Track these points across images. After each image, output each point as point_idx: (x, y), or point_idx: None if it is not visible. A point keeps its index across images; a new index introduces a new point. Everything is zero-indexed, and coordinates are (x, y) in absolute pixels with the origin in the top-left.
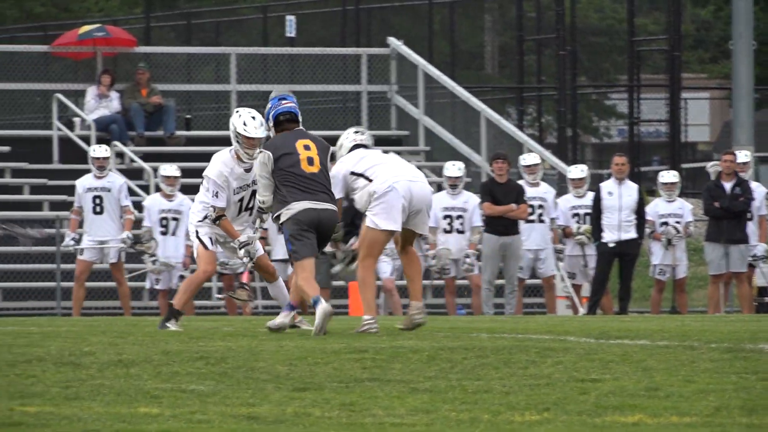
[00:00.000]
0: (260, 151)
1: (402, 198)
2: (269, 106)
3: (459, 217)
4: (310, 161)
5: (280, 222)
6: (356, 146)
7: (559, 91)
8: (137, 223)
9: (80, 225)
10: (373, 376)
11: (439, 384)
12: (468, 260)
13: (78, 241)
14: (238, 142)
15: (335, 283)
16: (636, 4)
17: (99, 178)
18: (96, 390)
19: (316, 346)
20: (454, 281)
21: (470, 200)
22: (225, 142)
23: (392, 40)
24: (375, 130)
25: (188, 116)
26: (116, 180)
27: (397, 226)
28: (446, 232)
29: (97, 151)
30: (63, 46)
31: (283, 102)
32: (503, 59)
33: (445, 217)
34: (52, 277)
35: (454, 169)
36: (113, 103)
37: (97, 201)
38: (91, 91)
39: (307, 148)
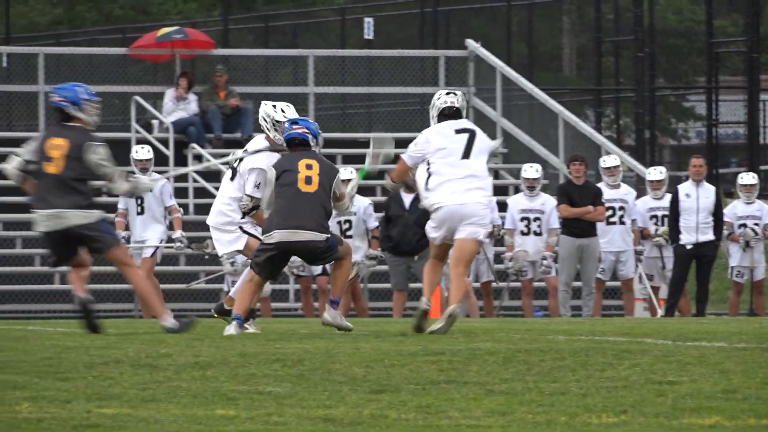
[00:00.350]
0: (271, 168)
1: (448, 220)
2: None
3: (536, 219)
4: (308, 180)
5: (262, 236)
6: (446, 108)
7: (637, 93)
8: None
9: (126, 227)
10: (450, 378)
11: (516, 386)
12: (545, 262)
13: (127, 241)
14: (276, 130)
15: (412, 285)
16: (714, 5)
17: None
18: (173, 392)
19: (392, 348)
20: (531, 283)
21: (547, 202)
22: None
23: (470, 42)
24: None
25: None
26: (157, 181)
27: (438, 239)
28: (523, 234)
29: (140, 152)
30: (141, 49)
31: (295, 127)
32: (581, 61)
33: (523, 218)
34: None
35: (531, 170)
36: (191, 106)
37: (139, 202)
38: (170, 94)
39: (309, 167)
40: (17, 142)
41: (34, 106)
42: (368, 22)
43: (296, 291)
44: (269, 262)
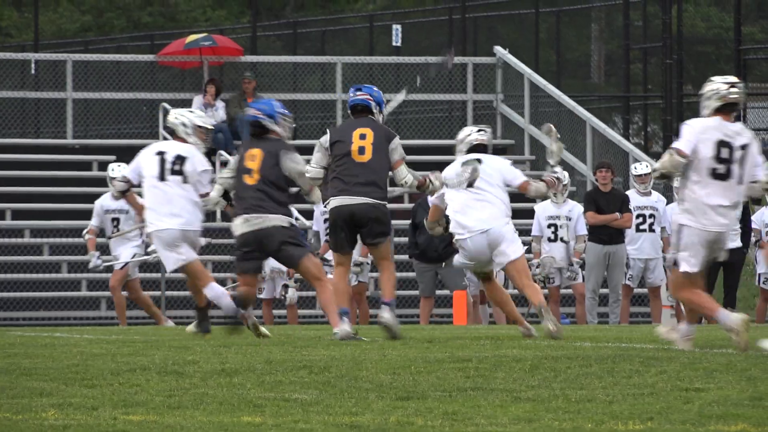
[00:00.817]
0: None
1: (475, 251)
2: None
3: (563, 225)
4: (362, 150)
5: (328, 210)
6: (476, 146)
7: (665, 99)
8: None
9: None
10: (476, 385)
11: (542, 393)
12: (572, 269)
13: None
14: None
15: (439, 292)
16: (743, 12)
17: (117, 199)
18: (199, 399)
19: (418, 355)
20: (558, 290)
21: (575, 209)
22: None
23: (498, 49)
24: None
25: (294, 125)
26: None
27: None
28: (550, 240)
29: (116, 171)
30: (170, 56)
31: (358, 93)
32: (609, 68)
33: (549, 225)
34: (156, 286)
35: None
36: (219, 113)
37: (115, 224)
38: (197, 101)
39: (362, 137)
40: (45, 150)
41: (62, 112)
42: (396, 29)
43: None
44: (334, 234)
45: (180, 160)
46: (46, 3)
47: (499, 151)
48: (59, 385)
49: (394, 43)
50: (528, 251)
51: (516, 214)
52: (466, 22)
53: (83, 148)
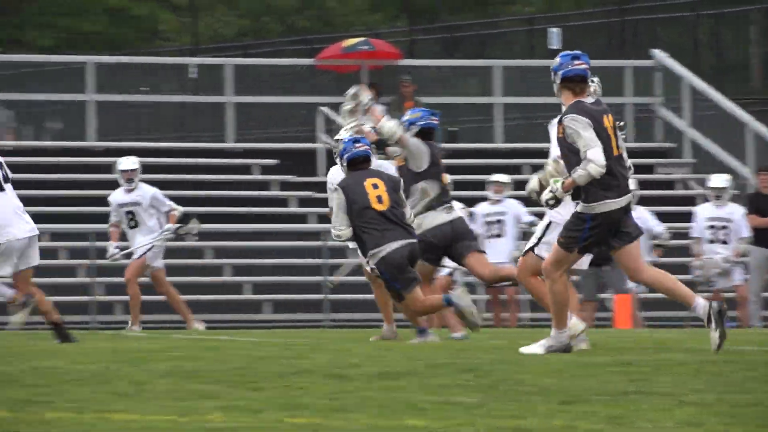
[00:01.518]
0: (335, 189)
1: None
2: (342, 147)
3: (723, 227)
4: (380, 199)
5: (374, 263)
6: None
7: None
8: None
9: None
10: (639, 388)
11: (707, 397)
12: (727, 266)
13: (128, 255)
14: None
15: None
16: None
17: (129, 191)
18: (362, 402)
19: (580, 359)
20: (720, 293)
21: (735, 211)
22: (491, 154)
23: (656, 52)
24: (640, 142)
25: (454, 129)
26: (146, 192)
27: None
28: (710, 242)
29: (125, 163)
30: (327, 60)
31: (357, 145)
32: None
33: (709, 227)
34: (317, 289)
35: (718, 180)
36: None
37: (130, 216)
38: None
39: (375, 186)
40: (204, 153)
41: (221, 116)
42: (553, 32)
43: (486, 301)
44: (401, 272)
45: None
46: (203, 7)
47: (659, 154)
48: (225, 387)
49: (550, 46)
50: (688, 254)
51: (676, 216)
52: (625, 25)
53: (243, 152)
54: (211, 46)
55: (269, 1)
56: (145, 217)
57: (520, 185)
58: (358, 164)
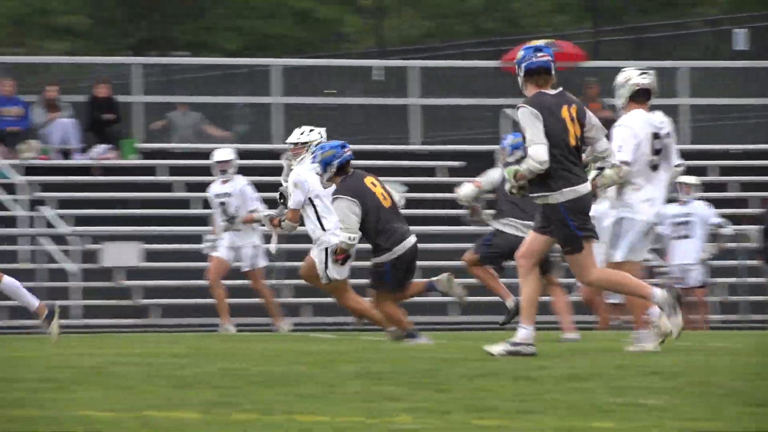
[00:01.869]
0: (342, 198)
1: None
2: (332, 153)
3: None
4: (384, 197)
5: (388, 259)
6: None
7: None
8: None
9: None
10: None
11: None
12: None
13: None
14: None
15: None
16: None
17: (224, 182)
18: (550, 404)
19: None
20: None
21: None
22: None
23: None
24: None
25: None
26: (238, 184)
27: None
28: None
29: (219, 154)
30: (513, 61)
31: (345, 150)
32: None
33: None
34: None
35: None
36: None
37: (223, 208)
38: None
39: (374, 185)
40: (387, 156)
41: (405, 118)
42: (738, 33)
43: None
44: (397, 275)
45: None
46: (389, 10)
47: None
48: (410, 389)
49: (735, 47)
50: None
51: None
52: None
53: (429, 154)
54: (396, 48)
55: (455, 3)
56: (237, 210)
57: (708, 187)
58: (346, 168)
